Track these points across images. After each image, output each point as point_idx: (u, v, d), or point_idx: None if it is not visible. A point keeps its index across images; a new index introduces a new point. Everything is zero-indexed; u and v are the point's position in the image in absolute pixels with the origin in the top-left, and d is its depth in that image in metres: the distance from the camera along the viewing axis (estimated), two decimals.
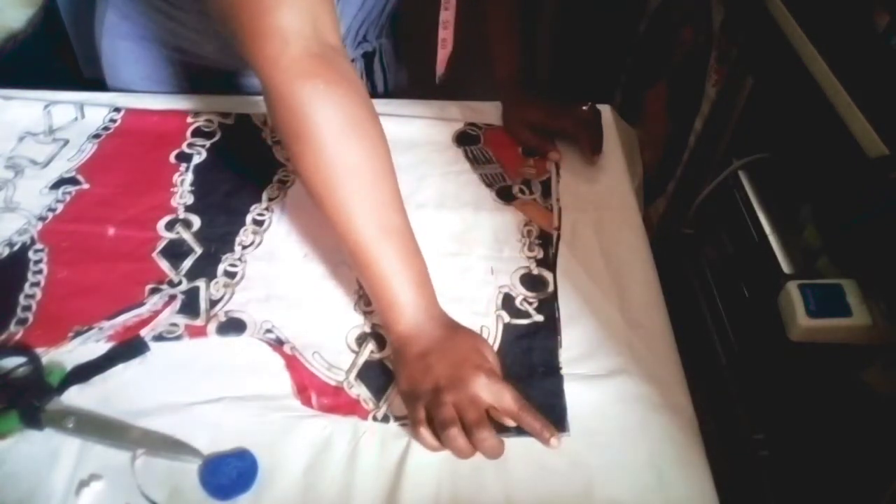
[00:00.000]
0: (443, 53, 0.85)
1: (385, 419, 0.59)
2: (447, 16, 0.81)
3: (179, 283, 0.68)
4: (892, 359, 0.71)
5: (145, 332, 0.64)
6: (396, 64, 1.01)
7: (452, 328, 0.61)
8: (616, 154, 0.84)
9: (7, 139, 0.82)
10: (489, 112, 0.88)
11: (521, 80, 0.86)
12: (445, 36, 0.83)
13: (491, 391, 0.56)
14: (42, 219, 0.73)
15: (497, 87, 0.88)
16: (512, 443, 0.58)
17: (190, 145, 0.82)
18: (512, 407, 0.56)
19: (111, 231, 0.72)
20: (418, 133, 0.85)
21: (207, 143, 0.82)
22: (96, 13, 0.90)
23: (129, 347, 0.62)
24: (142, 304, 0.66)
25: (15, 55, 1.27)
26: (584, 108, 0.85)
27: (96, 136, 0.82)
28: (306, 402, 0.60)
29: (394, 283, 0.59)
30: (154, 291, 0.67)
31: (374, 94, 0.97)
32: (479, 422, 0.54)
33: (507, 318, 0.67)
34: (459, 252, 0.73)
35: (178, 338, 0.64)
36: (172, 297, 0.67)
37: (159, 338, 0.64)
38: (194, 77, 0.90)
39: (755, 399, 0.91)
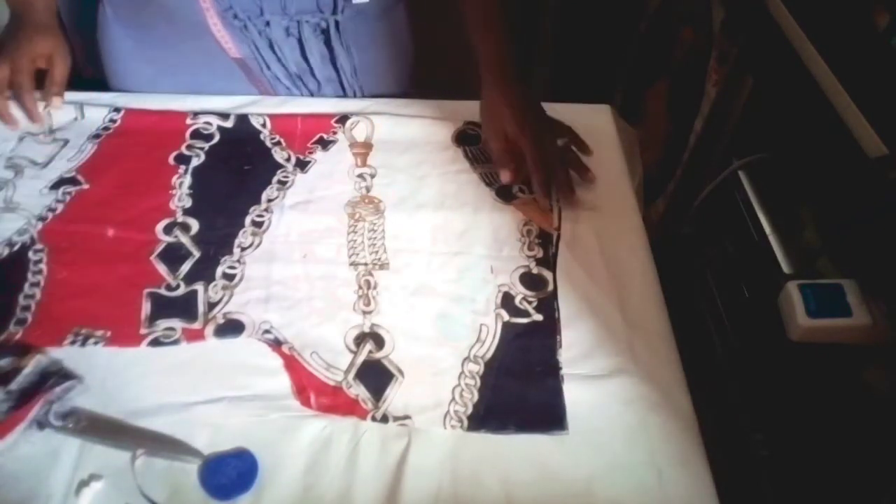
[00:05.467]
0: None
1: (384, 419, 0.59)
2: None
3: (177, 286, 0.68)
4: (892, 359, 0.71)
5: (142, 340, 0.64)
6: (381, 64, 0.95)
7: None
8: (616, 154, 0.84)
9: (7, 139, 0.82)
10: None
11: (503, 73, 0.80)
12: None
13: None
14: (42, 219, 0.73)
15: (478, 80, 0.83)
16: (512, 443, 0.58)
17: (189, 147, 0.82)
18: None
19: (110, 232, 0.72)
20: (418, 133, 0.85)
21: (206, 146, 0.82)
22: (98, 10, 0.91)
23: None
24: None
25: None
26: (559, 141, 0.80)
27: (96, 136, 0.82)
28: (305, 402, 0.60)
29: None
30: (152, 295, 0.67)
31: (339, 81, 0.92)
32: None
33: (506, 317, 0.67)
34: (459, 251, 0.73)
35: (175, 342, 0.64)
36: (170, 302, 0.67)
37: (156, 342, 0.64)
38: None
39: (755, 399, 0.91)
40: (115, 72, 0.94)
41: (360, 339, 0.65)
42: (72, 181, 0.77)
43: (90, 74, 0.98)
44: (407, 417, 0.60)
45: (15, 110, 0.84)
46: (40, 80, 0.86)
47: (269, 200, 0.77)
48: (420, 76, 0.99)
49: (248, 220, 0.75)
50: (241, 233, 0.73)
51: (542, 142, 0.77)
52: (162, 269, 0.70)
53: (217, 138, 0.83)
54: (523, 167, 0.77)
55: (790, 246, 0.86)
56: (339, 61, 0.90)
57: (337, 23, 0.87)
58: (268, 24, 0.85)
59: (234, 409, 0.59)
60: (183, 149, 0.81)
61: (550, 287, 0.70)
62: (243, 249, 0.72)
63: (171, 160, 0.80)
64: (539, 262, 0.72)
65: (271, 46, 0.87)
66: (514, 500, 0.55)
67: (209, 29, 0.84)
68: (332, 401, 0.60)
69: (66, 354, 0.62)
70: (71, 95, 0.86)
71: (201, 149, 0.82)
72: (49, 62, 0.82)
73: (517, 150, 0.77)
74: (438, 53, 1.00)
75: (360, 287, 0.69)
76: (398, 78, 0.97)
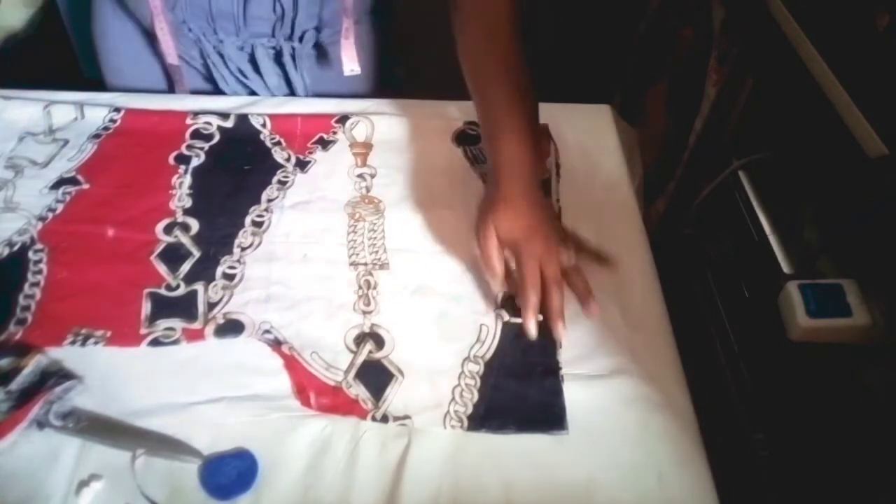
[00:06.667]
0: (346, 45, 0.84)
1: (384, 419, 0.59)
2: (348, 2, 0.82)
3: (177, 286, 0.68)
4: (892, 359, 0.71)
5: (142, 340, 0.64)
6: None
7: None
8: (616, 154, 0.84)
9: (7, 139, 0.81)
10: None
11: (520, 177, 0.68)
12: (347, 25, 0.83)
13: None
14: (42, 219, 0.73)
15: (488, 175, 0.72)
16: (512, 443, 0.58)
17: (189, 147, 0.81)
18: None
19: (110, 232, 0.72)
20: (418, 133, 0.85)
21: (206, 146, 0.82)
22: (92, 10, 0.92)
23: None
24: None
25: (15, 55, 1.27)
26: (566, 256, 0.66)
27: (96, 136, 0.82)
28: (305, 402, 0.60)
29: None
30: (152, 295, 0.67)
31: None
32: None
33: (506, 317, 0.67)
34: (459, 251, 0.72)
35: (175, 342, 0.64)
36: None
37: (156, 342, 0.64)
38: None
39: (755, 399, 0.91)
40: (112, 69, 0.94)
41: (360, 339, 0.65)
42: (72, 181, 0.77)
43: (90, 74, 0.98)
44: (407, 417, 0.60)
45: (14, 112, 0.84)
46: (44, 76, 0.86)
47: (269, 200, 0.77)
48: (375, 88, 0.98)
49: (248, 220, 0.75)
50: (241, 233, 0.73)
51: (546, 259, 0.65)
52: (162, 269, 0.70)
53: (217, 138, 0.83)
54: (511, 277, 0.67)
55: (790, 246, 0.86)
56: (293, 83, 0.91)
57: (293, 48, 0.87)
58: (221, 41, 0.86)
59: (234, 409, 0.59)
60: (183, 149, 0.81)
61: None
62: (243, 249, 0.72)
63: (171, 160, 0.80)
64: None
65: (226, 64, 0.89)
66: (514, 500, 0.55)
67: (154, 31, 0.85)
68: (332, 401, 0.60)
69: (66, 354, 0.62)
70: (71, 95, 0.86)
71: (201, 149, 0.82)
72: None
73: (508, 256, 0.67)
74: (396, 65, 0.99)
75: (360, 287, 0.69)
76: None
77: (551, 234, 0.67)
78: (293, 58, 0.89)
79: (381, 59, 0.97)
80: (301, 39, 0.87)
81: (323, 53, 0.90)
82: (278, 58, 0.89)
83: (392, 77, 1.00)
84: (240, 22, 0.84)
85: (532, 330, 0.64)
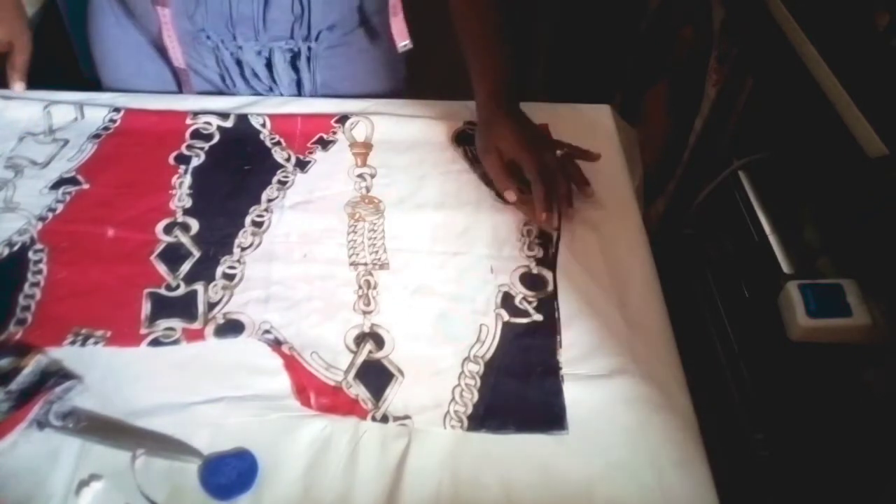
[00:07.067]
0: (396, 21, 0.85)
1: (384, 419, 0.59)
2: None
3: (177, 286, 0.68)
4: (892, 359, 0.71)
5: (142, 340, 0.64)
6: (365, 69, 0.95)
7: None
8: (616, 154, 0.84)
9: (7, 139, 0.82)
10: None
11: (502, 99, 0.80)
12: (395, 2, 0.85)
13: None
14: (42, 219, 0.73)
15: (476, 105, 0.82)
16: (512, 443, 0.58)
17: (189, 147, 0.81)
18: None
19: (110, 232, 0.72)
20: (418, 133, 0.85)
21: (206, 146, 0.82)
22: (88, 10, 0.92)
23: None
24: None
25: None
26: (559, 151, 0.78)
27: (96, 136, 0.82)
28: (305, 402, 0.60)
29: None
30: (152, 295, 0.67)
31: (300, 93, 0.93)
32: None
33: (506, 317, 0.67)
34: (459, 251, 0.73)
35: (175, 342, 0.64)
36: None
37: (156, 342, 0.64)
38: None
39: (755, 399, 0.91)
40: (112, 77, 0.94)
41: (360, 339, 0.65)
42: (72, 181, 0.77)
43: (90, 74, 0.98)
44: (407, 417, 0.60)
45: (14, 112, 0.84)
46: (44, 76, 0.86)
47: (269, 200, 0.77)
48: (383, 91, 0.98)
49: (248, 220, 0.75)
50: (241, 233, 0.73)
51: (542, 154, 0.76)
52: (162, 269, 0.70)
53: (217, 138, 0.83)
54: (522, 183, 0.76)
55: (790, 246, 0.87)
56: (303, 84, 0.92)
57: (310, 48, 0.88)
58: (240, 47, 0.87)
59: (234, 409, 0.59)
60: (183, 149, 0.81)
61: (550, 287, 0.70)
62: (243, 249, 0.72)
63: (171, 160, 0.80)
64: (539, 262, 0.72)
65: (241, 70, 0.89)
66: (514, 501, 0.55)
67: (161, 38, 0.85)
68: (332, 401, 0.60)
69: (66, 354, 0.62)
70: (71, 95, 0.86)
71: (201, 149, 0.82)
72: (9, 48, 0.83)
73: (514, 167, 0.76)
74: (398, 68, 0.99)
75: (360, 287, 0.69)
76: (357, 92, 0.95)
77: (541, 139, 0.80)
78: (308, 59, 0.89)
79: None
80: (317, 39, 0.88)
81: (373, 34, 0.90)
82: (294, 60, 0.90)
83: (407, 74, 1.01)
84: (259, 26, 0.84)
85: (544, 218, 0.72)
